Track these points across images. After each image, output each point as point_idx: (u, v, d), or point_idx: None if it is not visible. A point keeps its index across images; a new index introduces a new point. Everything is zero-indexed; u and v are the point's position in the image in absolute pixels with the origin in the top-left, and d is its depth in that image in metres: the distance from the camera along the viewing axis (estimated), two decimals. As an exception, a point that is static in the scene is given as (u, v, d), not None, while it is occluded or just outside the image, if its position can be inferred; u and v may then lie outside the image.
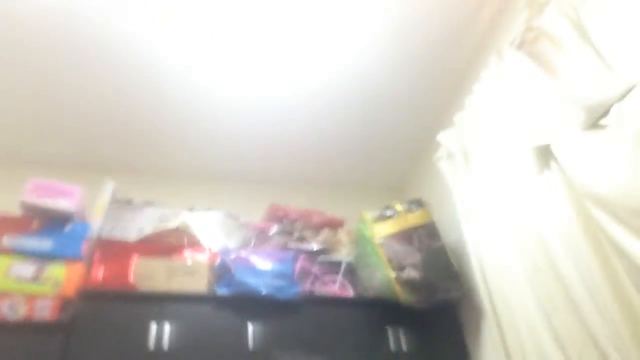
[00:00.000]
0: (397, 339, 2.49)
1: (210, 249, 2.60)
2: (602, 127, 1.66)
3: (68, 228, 2.37)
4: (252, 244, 2.75)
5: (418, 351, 2.48)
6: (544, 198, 1.94)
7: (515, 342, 2.12)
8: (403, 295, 2.43)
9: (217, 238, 2.72)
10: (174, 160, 3.18)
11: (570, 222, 1.77)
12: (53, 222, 2.36)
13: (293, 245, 2.77)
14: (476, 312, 2.54)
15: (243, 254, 2.59)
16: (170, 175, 3.24)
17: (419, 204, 2.67)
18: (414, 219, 2.61)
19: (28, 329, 2.15)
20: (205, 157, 3.17)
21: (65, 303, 2.22)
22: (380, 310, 2.56)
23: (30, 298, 2.19)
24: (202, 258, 2.55)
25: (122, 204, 2.66)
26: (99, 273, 2.33)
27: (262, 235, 2.80)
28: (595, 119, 1.68)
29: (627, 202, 1.49)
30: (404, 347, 2.48)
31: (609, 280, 1.61)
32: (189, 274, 2.47)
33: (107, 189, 2.64)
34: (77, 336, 2.15)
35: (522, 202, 2.08)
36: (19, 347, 2.10)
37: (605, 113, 1.64)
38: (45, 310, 2.19)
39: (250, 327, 2.35)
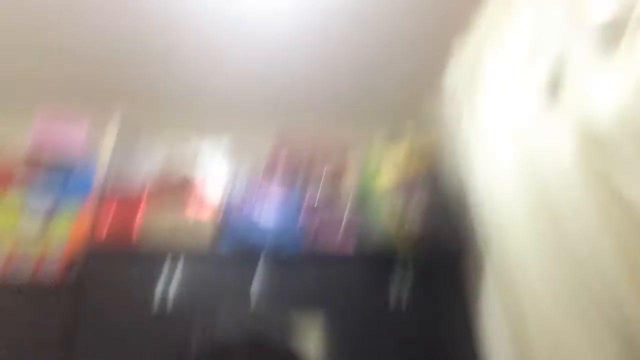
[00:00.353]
0: (398, 295, 2.42)
1: (214, 204, 2.52)
2: (615, 50, 1.49)
3: (73, 179, 2.37)
4: (257, 192, 2.64)
5: (418, 307, 2.39)
6: (549, 136, 1.78)
7: (514, 296, 2.02)
8: (404, 249, 2.41)
9: (222, 181, 2.68)
10: (181, 83, 2.94)
11: (573, 163, 1.63)
12: (57, 173, 2.35)
13: (296, 197, 2.65)
14: (477, 266, 2.42)
15: (246, 208, 2.54)
16: (178, 101, 3.04)
17: (421, 146, 2.61)
18: (416, 166, 2.56)
19: (34, 291, 2.18)
20: (216, 81, 2.95)
21: (70, 263, 2.23)
22: (381, 266, 2.49)
23: (35, 259, 2.21)
24: (206, 214, 2.49)
25: (128, 140, 2.63)
26: (103, 230, 2.32)
27: (266, 182, 2.72)
28: (609, 42, 1.51)
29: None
30: (405, 302, 2.41)
31: (607, 229, 1.47)
32: (193, 230, 2.44)
33: (114, 123, 2.57)
34: (83, 298, 2.18)
35: (526, 141, 1.95)
36: (25, 310, 2.14)
37: (620, 35, 1.47)
38: (50, 271, 2.22)
39: (252, 285, 2.33)
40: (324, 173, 2.87)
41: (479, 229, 2.42)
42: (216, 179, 2.76)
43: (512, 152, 2.09)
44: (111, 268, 2.28)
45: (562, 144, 1.72)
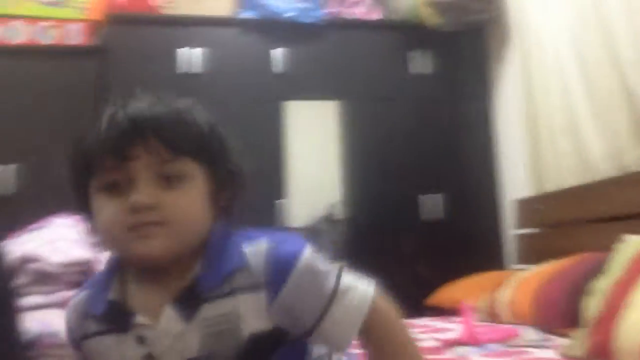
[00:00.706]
0: (422, 62, 2.60)
1: None
2: None
3: None
4: None
5: (439, 74, 2.60)
6: None
7: (539, 67, 2.25)
8: (431, 17, 2.51)
9: None
10: None
11: None
12: None
13: None
14: (504, 37, 2.61)
15: None
16: None
17: None
18: None
19: (60, 52, 2.32)
20: None
21: (94, 27, 2.37)
22: (406, 34, 2.64)
23: (60, 22, 2.32)
24: None
25: None
26: None
27: None
28: None
29: None
30: (425, 69, 2.59)
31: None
32: None
33: None
34: (108, 60, 2.31)
35: None
36: (53, 72, 2.28)
37: None
38: (75, 35, 2.34)
39: (275, 51, 2.48)
40: None
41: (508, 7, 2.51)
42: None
43: None
44: (134, 33, 2.40)
45: None
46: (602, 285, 1.20)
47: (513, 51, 2.56)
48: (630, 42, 1.80)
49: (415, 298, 2.32)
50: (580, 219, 2.05)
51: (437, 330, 1.72)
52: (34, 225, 1.72)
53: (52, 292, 1.52)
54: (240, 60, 2.47)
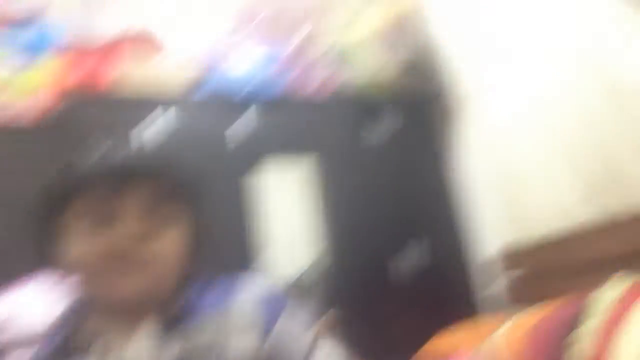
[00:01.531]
0: (373, 136, 2.61)
1: (184, 53, 2.55)
2: None
3: (39, 27, 2.37)
4: (236, 42, 2.66)
5: (391, 147, 2.62)
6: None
7: (498, 140, 2.37)
8: (383, 90, 2.62)
9: (199, 31, 2.69)
10: None
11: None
12: (23, 21, 2.35)
13: (276, 47, 2.67)
14: (455, 112, 2.70)
15: (219, 56, 2.55)
16: None
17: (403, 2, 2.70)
18: (397, 18, 2.69)
19: (8, 133, 2.23)
20: None
21: (43, 108, 2.28)
22: (358, 108, 2.65)
23: (8, 103, 2.24)
24: (178, 63, 2.51)
25: None
26: (74, 77, 2.33)
27: (246, 33, 2.72)
28: None
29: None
30: (378, 142, 2.60)
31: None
32: (165, 79, 2.44)
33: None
34: (58, 141, 2.19)
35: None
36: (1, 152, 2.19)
37: None
38: (24, 114, 2.26)
39: (230, 129, 2.42)
40: (304, 23, 2.85)
41: (455, 79, 2.63)
42: (190, 31, 2.70)
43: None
44: (84, 114, 2.31)
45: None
46: (583, 333, 1.18)
47: (471, 117, 2.63)
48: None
49: (400, 352, 2.26)
50: (560, 266, 2.04)
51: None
52: None
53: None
54: (196, 139, 2.43)
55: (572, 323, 1.42)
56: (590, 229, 1.91)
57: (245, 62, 2.59)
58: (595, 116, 1.83)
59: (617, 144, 1.75)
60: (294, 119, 2.56)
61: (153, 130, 2.34)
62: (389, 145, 2.64)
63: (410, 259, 2.48)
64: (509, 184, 2.37)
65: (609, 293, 1.25)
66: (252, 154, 2.46)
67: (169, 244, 0.66)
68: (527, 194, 2.25)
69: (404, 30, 2.76)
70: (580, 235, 1.96)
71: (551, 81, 2.07)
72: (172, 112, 2.40)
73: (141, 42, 2.54)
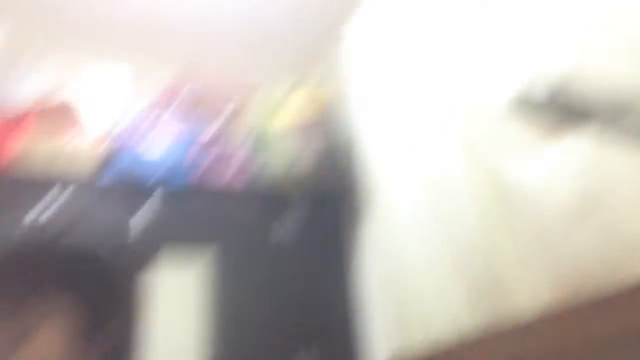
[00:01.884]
0: (285, 232, 2.61)
1: (98, 129, 2.50)
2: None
3: None
4: (149, 124, 2.62)
5: (300, 244, 2.63)
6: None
7: (391, 243, 2.41)
8: (294, 189, 2.65)
9: (113, 110, 2.65)
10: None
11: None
12: None
13: (190, 132, 2.68)
14: (358, 211, 2.75)
15: (136, 139, 2.51)
16: (78, 20, 2.82)
17: (320, 95, 2.83)
18: (313, 112, 2.74)
19: None
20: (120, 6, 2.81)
21: None
22: (270, 204, 2.66)
23: None
24: (89, 142, 2.44)
25: (14, 55, 2.50)
26: None
27: (160, 115, 2.70)
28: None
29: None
30: (287, 239, 2.61)
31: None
32: (72, 158, 2.36)
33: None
34: None
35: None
36: None
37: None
38: None
39: (135, 217, 2.32)
40: (223, 110, 2.90)
41: (363, 177, 2.73)
42: (107, 107, 2.65)
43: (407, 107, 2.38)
44: None
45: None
46: None
47: (371, 218, 2.69)
48: (459, 224, 1.99)
49: None
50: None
51: None
52: None
53: None
54: (96, 227, 2.34)
55: None
56: (476, 337, 1.94)
57: (160, 144, 2.58)
58: (485, 221, 1.91)
59: (503, 249, 1.82)
60: (199, 209, 2.54)
61: (49, 213, 2.25)
62: (295, 242, 2.65)
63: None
64: (399, 288, 2.42)
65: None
66: (150, 246, 2.35)
67: (45, 347, 0.58)
68: (416, 300, 2.29)
69: (322, 122, 2.85)
70: (466, 343, 1.98)
71: (443, 180, 2.15)
72: (73, 194, 2.30)
73: (56, 115, 2.48)
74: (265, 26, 3.04)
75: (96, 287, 0.68)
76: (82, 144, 2.49)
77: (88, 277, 0.67)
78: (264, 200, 2.71)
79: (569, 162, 1.55)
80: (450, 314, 2.08)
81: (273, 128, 2.78)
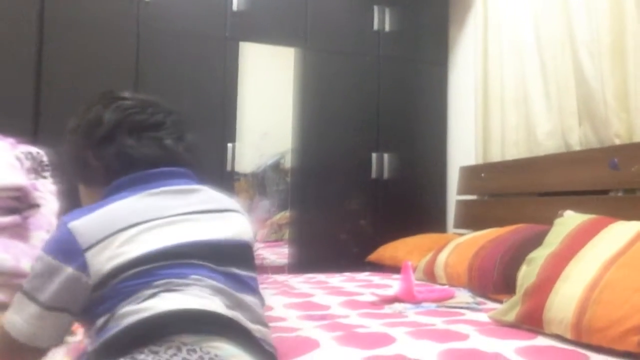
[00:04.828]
0: (382, 19, 2.60)
1: None
2: None
3: None
4: None
5: (400, 33, 2.62)
6: None
7: (497, 38, 2.33)
8: None
9: None
10: None
11: None
12: None
13: None
14: (465, 3, 2.66)
15: None
16: None
17: None
18: None
19: None
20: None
21: None
22: None
23: None
24: None
25: None
26: None
27: None
28: None
29: None
30: (387, 26, 2.61)
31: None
32: None
33: None
34: None
35: None
36: None
37: None
38: None
39: None
40: None
41: None
42: None
43: None
44: None
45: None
46: (539, 256, 1.26)
47: (473, 18, 2.57)
48: (586, 26, 1.84)
49: (357, 253, 2.38)
50: (522, 191, 2.13)
51: (376, 286, 1.77)
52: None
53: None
54: None
55: (523, 247, 1.51)
56: (553, 160, 1.97)
57: None
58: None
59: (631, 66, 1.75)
60: None
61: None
62: (393, 34, 2.62)
63: (386, 162, 2.55)
64: (488, 105, 2.39)
65: (565, 225, 1.32)
66: (252, 21, 2.40)
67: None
68: (502, 117, 2.29)
69: None
70: (543, 165, 2.02)
71: (550, 15, 2.00)
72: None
73: None
74: None
75: None
76: None
77: None
78: None
79: None
80: (558, 124, 2.02)
81: None
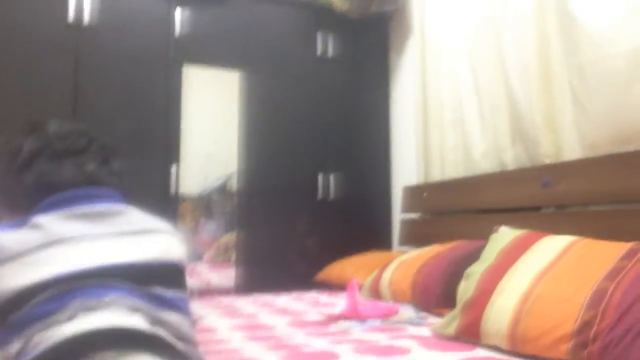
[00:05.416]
0: (325, 44, 2.68)
1: None
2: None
3: None
4: None
5: (343, 58, 2.71)
6: None
7: (434, 63, 2.43)
8: (338, 2, 2.59)
9: None
10: None
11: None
12: None
13: None
14: (405, 31, 2.77)
15: None
16: None
17: None
18: None
19: None
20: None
21: None
22: (312, 14, 2.68)
23: None
24: None
25: None
26: None
27: None
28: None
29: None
30: (330, 52, 2.69)
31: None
32: None
33: None
34: None
35: None
36: None
37: None
38: None
39: (177, 11, 2.37)
40: None
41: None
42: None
43: None
44: None
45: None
46: (476, 271, 1.31)
47: (412, 44, 2.67)
48: (516, 52, 1.95)
49: (304, 273, 2.38)
50: (461, 209, 2.21)
51: (323, 305, 1.79)
52: None
53: None
54: (138, 17, 2.31)
55: (463, 262, 1.57)
56: (489, 179, 2.06)
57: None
58: (544, 54, 1.94)
59: (559, 88, 1.86)
60: (244, 15, 2.51)
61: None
62: (336, 59, 2.69)
63: (330, 183, 2.58)
64: (427, 126, 2.48)
65: (500, 240, 1.39)
66: (195, 44, 2.40)
67: None
68: (441, 138, 2.38)
69: None
70: (480, 184, 2.11)
71: (483, 40, 2.13)
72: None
73: None
74: None
75: None
76: None
77: None
78: (311, 10, 2.66)
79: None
80: (493, 145, 2.10)
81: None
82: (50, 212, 0.75)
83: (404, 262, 1.91)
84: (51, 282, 0.66)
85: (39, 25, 2.12)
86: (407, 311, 1.58)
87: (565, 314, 1.02)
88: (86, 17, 2.19)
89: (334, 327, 1.41)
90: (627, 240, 1.18)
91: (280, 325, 1.45)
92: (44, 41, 2.12)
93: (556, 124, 1.79)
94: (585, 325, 0.97)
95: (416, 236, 2.47)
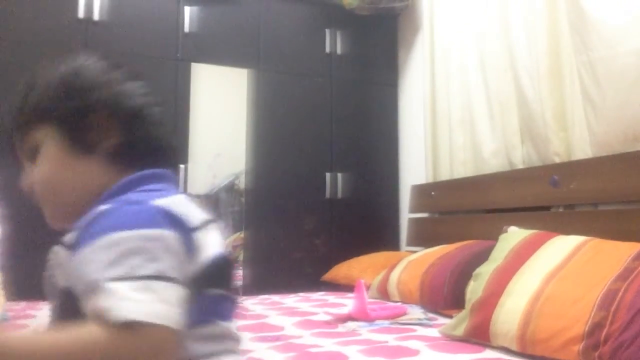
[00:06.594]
0: (334, 42, 2.67)
1: None
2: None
3: None
4: None
5: (352, 55, 2.71)
6: None
7: (444, 60, 2.41)
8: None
9: None
10: None
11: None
12: None
13: None
14: (414, 28, 2.77)
15: None
16: None
17: None
18: None
19: None
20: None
21: None
22: (320, 11, 2.68)
23: None
24: None
25: None
26: None
27: None
28: None
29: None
30: (339, 49, 2.68)
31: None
32: None
33: None
34: None
35: None
36: None
37: None
38: None
39: (187, 8, 2.37)
40: None
41: None
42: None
43: None
44: None
45: None
46: (485, 272, 1.30)
47: (421, 42, 2.66)
48: (525, 50, 1.94)
49: (312, 273, 2.38)
50: (469, 208, 2.20)
51: (331, 305, 1.78)
52: None
53: None
54: (147, 13, 2.33)
55: (471, 262, 1.56)
56: (498, 178, 2.05)
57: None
58: (554, 50, 1.92)
59: (569, 86, 1.84)
60: (253, 11, 2.52)
61: None
62: (345, 56, 2.68)
63: (339, 182, 2.58)
64: (436, 125, 2.46)
65: (509, 240, 1.38)
66: (205, 42, 2.40)
67: (39, 174, 0.62)
68: (450, 137, 2.36)
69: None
70: (489, 183, 2.09)
71: (493, 39, 2.10)
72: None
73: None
74: None
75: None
76: None
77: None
78: (320, 8, 2.66)
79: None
80: (502, 144, 2.09)
81: None
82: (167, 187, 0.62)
83: (412, 262, 1.90)
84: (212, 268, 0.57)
85: (49, 21, 2.14)
86: (415, 312, 1.57)
87: (576, 315, 1.01)
88: (96, 13, 2.21)
89: (342, 328, 1.40)
90: (638, 240, 1.16)
91: (288, 325, 1.44)
92: (54, 37, 2.13)
93: (566, 122, 1.77)
94: (596, 327, 0.96)
95: (424, 236, 2.46)
